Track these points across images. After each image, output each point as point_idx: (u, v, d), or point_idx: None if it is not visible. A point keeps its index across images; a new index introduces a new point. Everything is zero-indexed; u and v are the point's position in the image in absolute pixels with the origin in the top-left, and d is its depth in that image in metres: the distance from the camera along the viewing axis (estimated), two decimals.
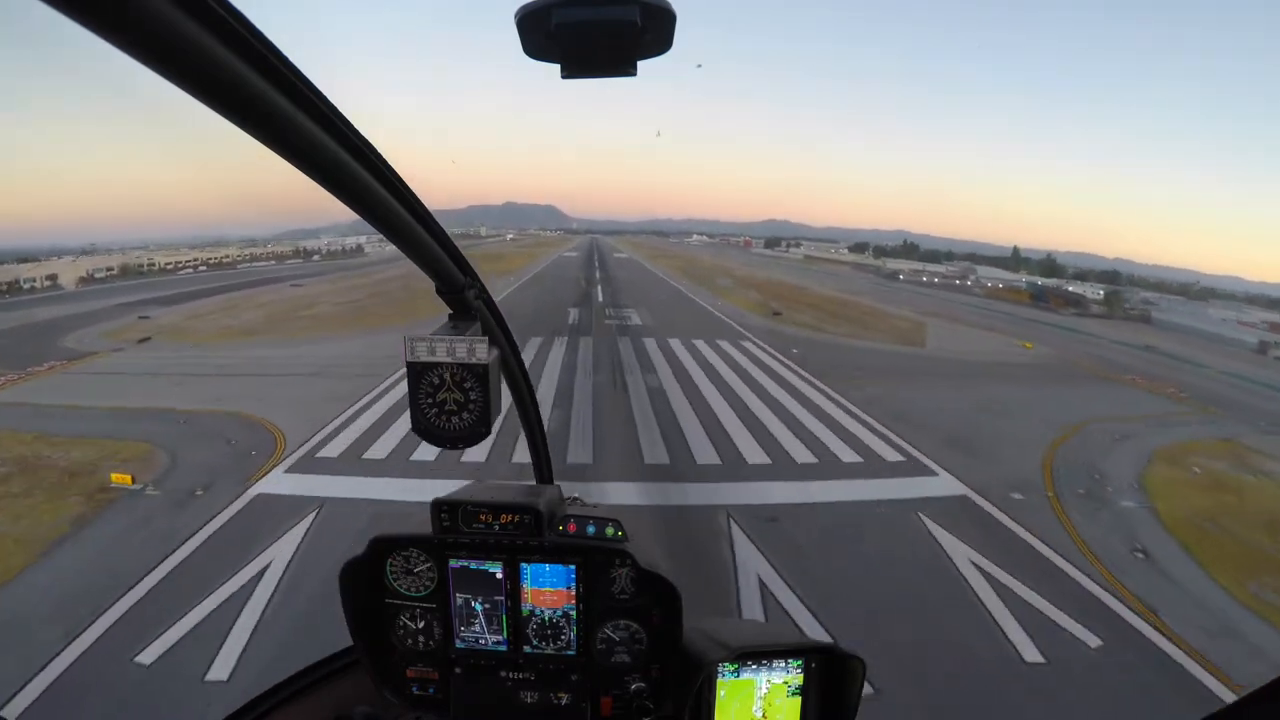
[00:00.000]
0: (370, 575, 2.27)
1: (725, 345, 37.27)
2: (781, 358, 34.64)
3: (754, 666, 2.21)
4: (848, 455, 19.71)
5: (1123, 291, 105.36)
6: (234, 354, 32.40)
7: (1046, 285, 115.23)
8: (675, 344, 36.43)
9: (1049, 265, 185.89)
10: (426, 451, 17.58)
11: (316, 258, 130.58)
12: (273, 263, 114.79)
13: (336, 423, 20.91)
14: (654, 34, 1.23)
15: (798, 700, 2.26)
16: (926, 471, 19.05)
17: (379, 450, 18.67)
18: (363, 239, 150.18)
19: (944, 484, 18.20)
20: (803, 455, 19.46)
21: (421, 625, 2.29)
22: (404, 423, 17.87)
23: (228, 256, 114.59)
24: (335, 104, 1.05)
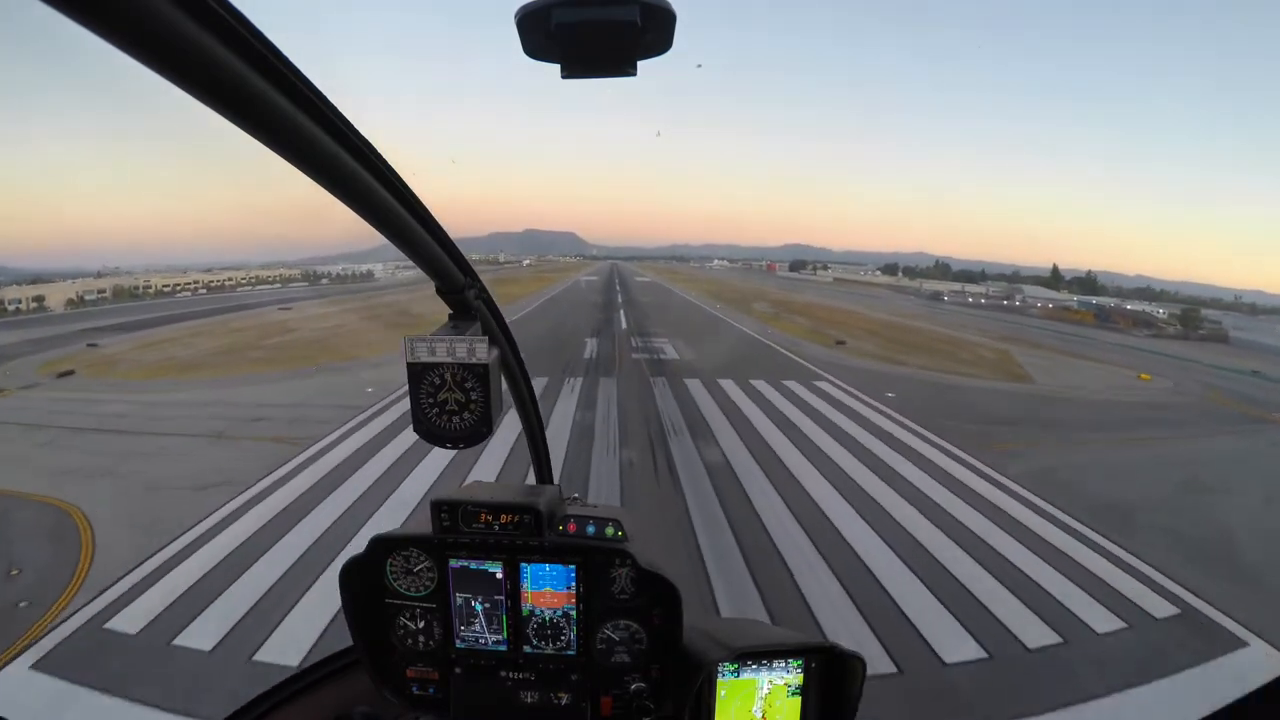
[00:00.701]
0: (370, 575, 2.16)
1: (796, 387, 28.50)
2: (875, 403, 26.38)
3: (754, 666, 2.14)
4: (1096, 616, 11.11)
5: (1199, 311, 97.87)
6: (150, 397, 26.43)
7: (1106, 305, 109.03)
8: (730, 387, 27.41)
9: (1089, 283, 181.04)
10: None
11: (325, 281, 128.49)
12: (279, 286, 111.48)
13: (183, 542, 12.87)
14: (654, 34, 1.20)
15: (798, 700, 2.19)
16: (1228, 640, 10.88)
17: (215, 629, 10.21)
18: (376, 266, 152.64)
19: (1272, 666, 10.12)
20: (1031, 629, 10.60)
21: (421, 625, 2.20)
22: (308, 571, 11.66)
23: (230, 279, 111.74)
24: (335, 104, 1.03)
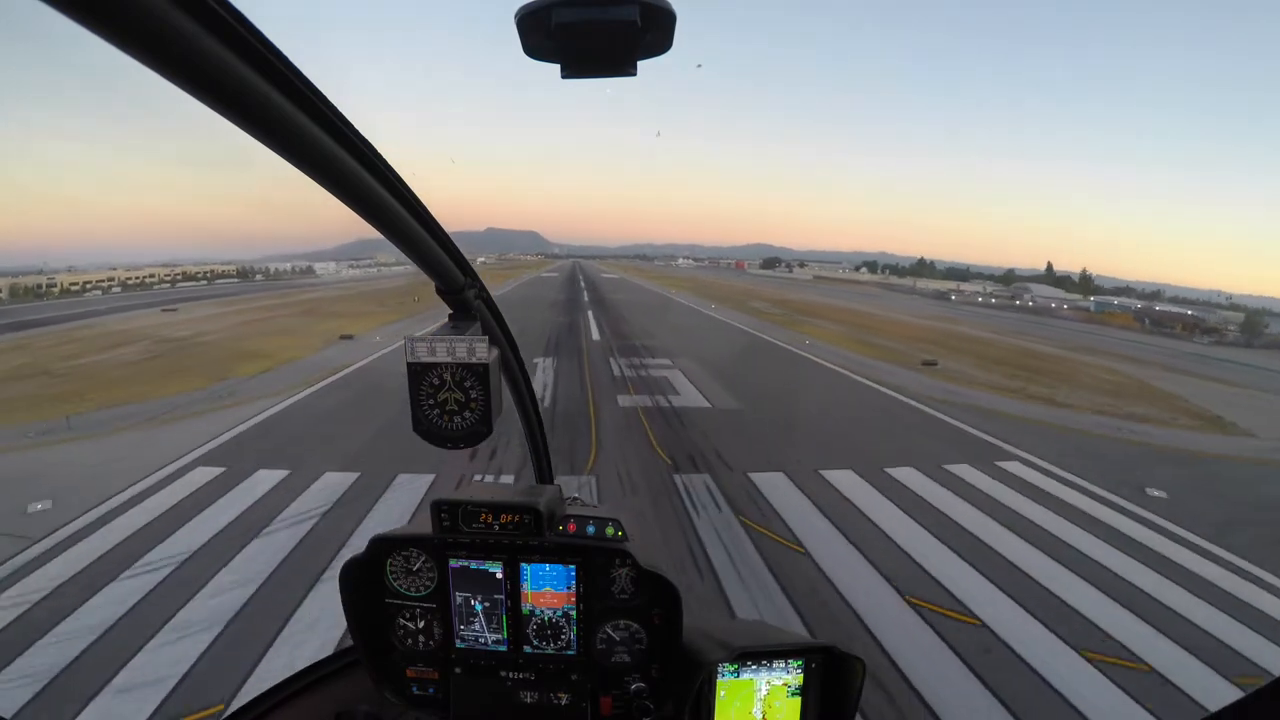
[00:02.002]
0: (370, 575, 2.18)
1: (980, 480, 15.13)
2: (1136, 508, 14.07)
3: (754, 667, 2.14)
4: None
5: (1263, 318, 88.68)
6: None
7: (1150, 309, 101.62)
8: (850, 485, 14.09)
9: (1086, 283, 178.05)
10: None
11: (259, 278, 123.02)
12: (204, 283, 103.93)
13: None
14: (654, 34, 1.19)
15: (798, 700, 2.18)
16: None
17: None
18: (328, 264, 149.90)
19: None
20: None
21: (421, 625, 2.21)
22: None
23: (153, 276, 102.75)
24: (335, 103, 1.04)
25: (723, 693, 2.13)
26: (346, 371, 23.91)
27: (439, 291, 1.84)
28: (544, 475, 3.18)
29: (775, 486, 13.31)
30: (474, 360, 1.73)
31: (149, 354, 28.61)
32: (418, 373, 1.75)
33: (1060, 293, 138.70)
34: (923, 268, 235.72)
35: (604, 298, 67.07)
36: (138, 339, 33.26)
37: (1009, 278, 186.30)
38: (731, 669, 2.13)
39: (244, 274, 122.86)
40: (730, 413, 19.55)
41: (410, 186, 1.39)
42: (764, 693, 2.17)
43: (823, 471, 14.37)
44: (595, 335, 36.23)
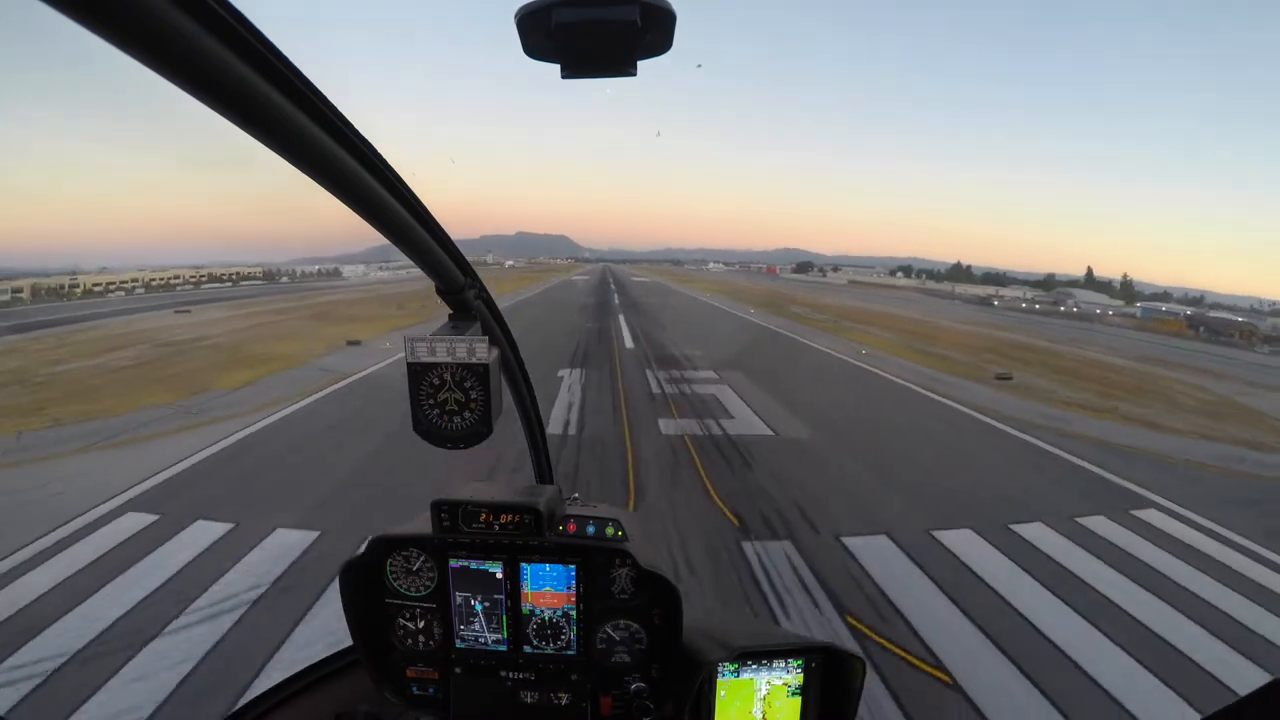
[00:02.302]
0: (370, 575, 2.22)
1: (1118, 534, 11.49)
2: None
3: (754, 666, 2.17)
4: None
5: None
6: None
7: (1203, 316, 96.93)
8: (982, 560, 10.04)
9: (1127, 289, 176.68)
10: None
11: (284, 280, 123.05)
12: (229, 285, 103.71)
13: None
14: (654, 34, 1.21)
15: (798, 700, 2.22)
16: None
17: None
18: (357, 267, 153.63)
19: None
20: None
21: (421, 625, 2.24)
22: None
23: (177, 278, 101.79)
24: (335, 103, 1.04)
25: (723, 692, 2.15)
26: (341, 385, 20.59)
27: (439, 291, 1.84)
28: (544, 475, 3.13)
29: (880, 558, 9.68)
30: (474, 360, 1.74)
31: (138, 360, 25.99)
32: (418, 373, 1.76)
33: (1104, 298, 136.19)
34: (959, 272, 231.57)
35: (636, 301, 64.02)
36: (136, 343, 30.78)
37: (1049, 283, 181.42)
38: (731, 669, 2.15)
39: (270, 276, 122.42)
40: (798, 444, 15.67)
41: (410, 187, 1.39)
42: (764, 692, 2.18)
43: (935, 533, 10.72)
44: (629, 343, 32.41)
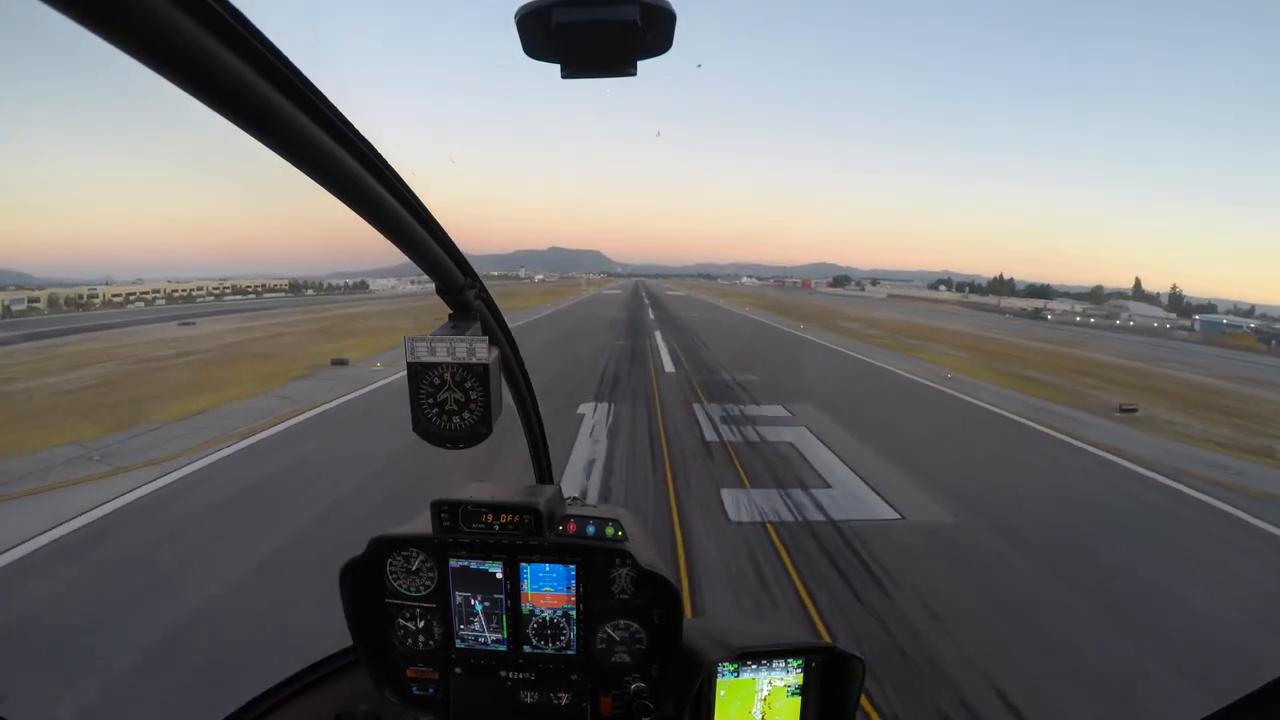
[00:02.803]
0: (370, 575, 2.22)
1: None
2: None
3: (754, 666, 2.18)
4: None
5: None
6: None
7: (1274, 330, 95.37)
8: None
9: (1177, 301, 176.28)
10: None
11: (310, 292, 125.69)
12: (253, 297, 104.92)
13: None
14: (654, 34, 1.22)
15: (797, 700, 2.22)
16: None
17: None
18: (388, 280, 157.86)
19: None
20: None
21: (421, 625, 2.24)
22: None
23: (200, 289, 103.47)
24: (335, 104, 1.05)
25: (723, 692, 2.15)
26: (297, 421, 16.23)
27: (439, 291, 1.87)
28: (544, 475, 3.13)
29: None
30: (474, 360, 1.75)
31: (101, 379, 23.12)
32: (417, 372, 1.77)
33: (1159, 311, 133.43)
34: (1001, 285, 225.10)
35: (673, 317, 58.58)
36: (113, 358, 27.93)
37: (1097, 295, 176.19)
38: (731, 669, 2.15)
39: (295, 289, 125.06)
40: (941, 536, 9.95)
41: (410, 187, 1.41)
42: (764, 693, 2.19)
43: None
44: (668, 366, 27.14)
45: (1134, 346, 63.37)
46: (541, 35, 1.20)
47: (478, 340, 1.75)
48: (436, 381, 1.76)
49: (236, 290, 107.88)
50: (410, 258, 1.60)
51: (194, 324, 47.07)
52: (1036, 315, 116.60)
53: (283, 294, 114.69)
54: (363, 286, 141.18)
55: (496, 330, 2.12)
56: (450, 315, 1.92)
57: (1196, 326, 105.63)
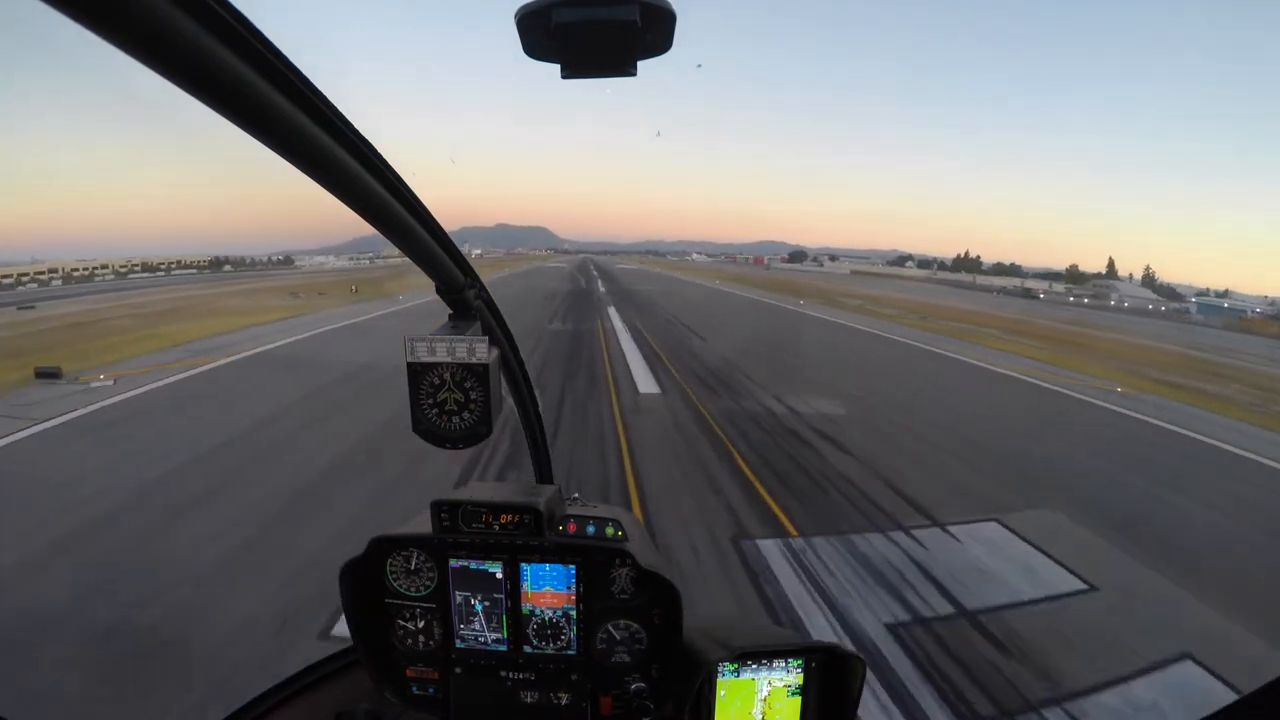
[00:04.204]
0: (370, 575, 2.17)
1: None
2: None
3: (754, 666, 2.11)
4: None
5: None
6: None
7: None
8: None
9: (1149, 281, 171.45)
10: None
11: (228, 268, 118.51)
12: (161, 274, 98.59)
13: None
14: (654, 34, 1.19)
15: (798, 700, 2.16)
16: None
17: None
18: (319, 258, 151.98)
19: None
20: None
21: (421, 625, 2.18)
22: None
23: (105, 267, 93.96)
24: (334, 103, 1.04)
25: (723, 692, 2.09)
26: None
27: (439, 291, 1.84)
28: (544, 475, 3.03)
29: None
30: (474, 360, 1.72)
31: None
32: (417, 373, 1.74)
33: (1148, 293, 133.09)
34: (968, 263, 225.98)
35: (630, 292, 50.20)
36: None
37: (1074, 275, 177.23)
38: (732, 669, 2.09)
39: (216, 265, 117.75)
40: None
41: (410, 186, 1.39)
42: (764, 693, 2.12)
43: None
44: (642, 378, 17.88)
45: (1163, 331, 58.19)
46: (541, 35, 1.18)
47: (478, 340, 1.71)
48: (436, 381, 1.72)
49: (147, 268, 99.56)
50: (410, 257, 1.59)
51: (34, 307, 40.79)
52: (1029, 295, 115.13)
53: (193, 271, 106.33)
54: (288, 262, 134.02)
55: (496, 330, 2.09)
56: (450, 315, 1.89)
57: (1193, 310, 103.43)
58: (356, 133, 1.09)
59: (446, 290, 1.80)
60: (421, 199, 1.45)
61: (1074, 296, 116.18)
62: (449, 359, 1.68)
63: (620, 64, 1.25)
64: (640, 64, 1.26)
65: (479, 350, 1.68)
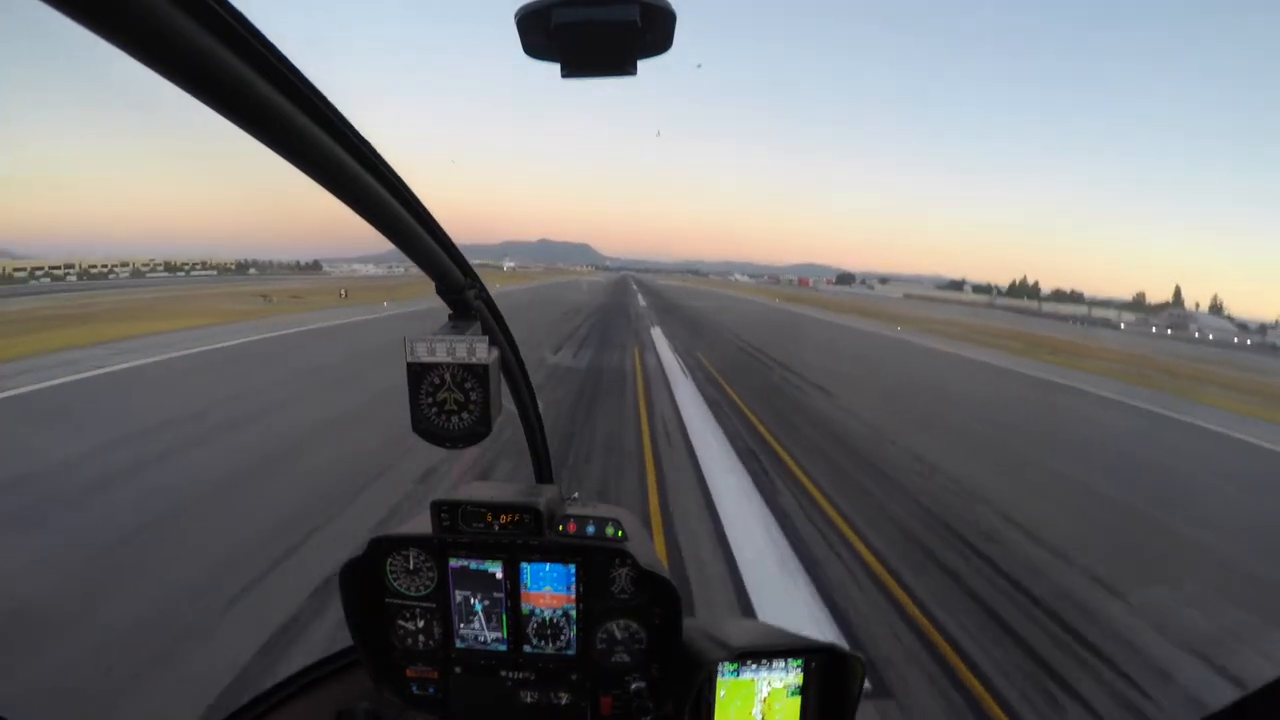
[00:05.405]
0: (370, 575, 2.19)
1: None
2: None
3: (754, 666, 2.12)
4: None
5: None
6: None
7: None
8: None
9: (1218, 315, 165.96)
10: None
11: (252, 271, 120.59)
12: (182, 275, 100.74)
13: None
14: (654, 34, 1.20)
15: (798, 700, 2.17)
16: None
17: None
18: (355, 265, 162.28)
19: None
20: None
21: (421, 625, 2.21)
22: None
23: (125, 265, 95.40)
24: (335, 104, 1.04)
25: (722, 692, 2.08)
26: None
27: (439, 292, 1.84)
28: (544, 475, 2.97)
29: None
30: (474, 360, 1.72)
31: None
32: (417, 373, 1.73)
33: (1227, 324, 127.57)
34: (1025, 289, 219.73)
35: (687, 309, 46.29)
36: None
37: (1143, 305, 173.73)
38: (731, 669, 2.08)
39: (241, 268, 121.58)
40: None
41: (410, 187, 1.40)
42: (764, 693, 2.12)
43: None
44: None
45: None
46: (541, 35, 1.18)
47: (478, 340, 1.71)
48: (436, 381, 1.71)
49: (169, 268, 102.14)
50: (410, 257, 1.61)
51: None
52: (1109, 325, 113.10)
53: (213, 273, 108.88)
54: (315, 267, 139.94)
55: (496, 330, 2.09)
56: (450, 315, 1.90)
57: None
58: (356, 133, 1.09)
59: (447, 290, 1.81)
60: (424, 200, 1.46)
61: (1156, 328, 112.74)
62: (449, 359, 1.68)
63: (620, 63, 1.25)
64: (640, 64, 1.26)
65: (479, 350, 1.68)
